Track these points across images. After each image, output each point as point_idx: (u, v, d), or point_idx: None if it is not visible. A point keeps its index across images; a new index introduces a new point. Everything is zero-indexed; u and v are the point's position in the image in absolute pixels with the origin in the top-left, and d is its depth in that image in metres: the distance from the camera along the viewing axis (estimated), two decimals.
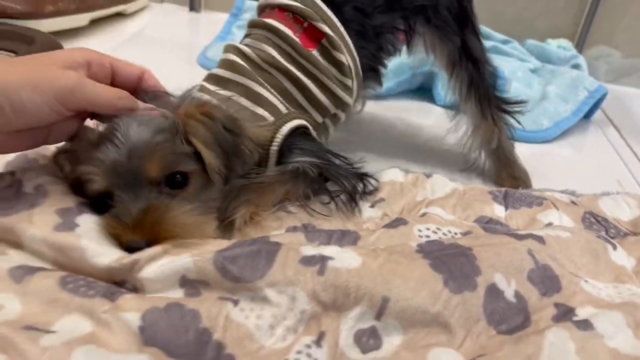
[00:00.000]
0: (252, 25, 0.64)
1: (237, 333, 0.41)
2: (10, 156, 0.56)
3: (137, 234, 0.46)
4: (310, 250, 0.47)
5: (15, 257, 0.44)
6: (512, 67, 1.07)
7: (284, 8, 0.63)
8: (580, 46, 1.22)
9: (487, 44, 1.13)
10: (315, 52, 0.62)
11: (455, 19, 0.69)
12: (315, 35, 0.62)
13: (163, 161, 0.48)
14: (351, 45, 0.64)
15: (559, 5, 1.23)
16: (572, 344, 0.44)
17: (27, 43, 0.86)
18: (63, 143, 0.53)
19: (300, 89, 0.61)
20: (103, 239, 0.46)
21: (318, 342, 0.41)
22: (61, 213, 0.47)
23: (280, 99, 0.60)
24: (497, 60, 1.07)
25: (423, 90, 1.04)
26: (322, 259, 0.45)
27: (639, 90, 1.21)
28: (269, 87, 0.59)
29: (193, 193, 0.50)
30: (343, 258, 0.46)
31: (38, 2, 0.95)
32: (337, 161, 0.61)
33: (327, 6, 0.63)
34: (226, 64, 0.60)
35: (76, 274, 0.44)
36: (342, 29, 0.63)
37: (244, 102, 0.57)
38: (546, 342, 0.43)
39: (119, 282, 0.45)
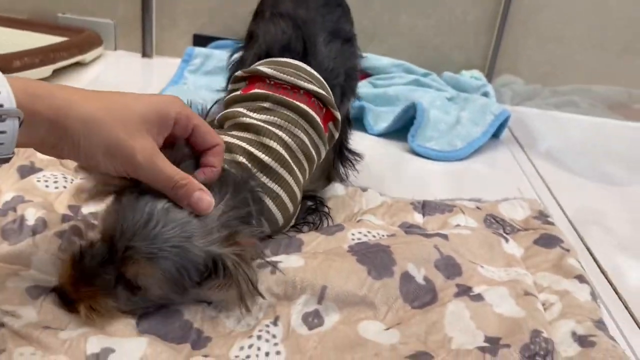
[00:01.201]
0: (278, 102, 0.66)
1: (212, 323, 0.53)
2: (7, 197, 0.66)
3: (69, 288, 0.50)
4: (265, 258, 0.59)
5: (28, 277, 0.55)
6: (432, 97, 1.22)
7: (312, 94, 0.68)
8: (490, 75, 1.41)
9: (409, 77, 1.30)
10: (327, 134, 0.71)
11: None
12: (328, 119, 0.71)
13: (148, 275, 0.50)
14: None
15: (470, 40, 1.42)
16: (467, 312, 0.58)
17: None
18: None
19: (311, 165, 0.70)
20: None
21: (275, 322, 0.54)
22: (59, 235, 0.58)
23: (301, 181, 0.67)
24: (418, 92, 1.24)
25: (355, 120, 1.18)
26: (274, 263, 0.58)
27: (539, 111, 1.40)
28: (298, 173, 0.66)
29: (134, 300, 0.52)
30: (290, 260, 0.59)
31: (6, 58, 1.05)
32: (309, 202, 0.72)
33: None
34: (273, 154, 0.64)
35: None
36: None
37: (285, 198, 0.64)
38: (447, 311, 0.58)
39: None
